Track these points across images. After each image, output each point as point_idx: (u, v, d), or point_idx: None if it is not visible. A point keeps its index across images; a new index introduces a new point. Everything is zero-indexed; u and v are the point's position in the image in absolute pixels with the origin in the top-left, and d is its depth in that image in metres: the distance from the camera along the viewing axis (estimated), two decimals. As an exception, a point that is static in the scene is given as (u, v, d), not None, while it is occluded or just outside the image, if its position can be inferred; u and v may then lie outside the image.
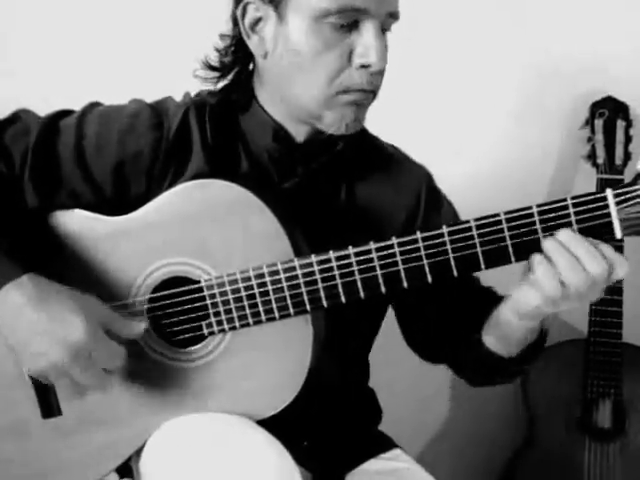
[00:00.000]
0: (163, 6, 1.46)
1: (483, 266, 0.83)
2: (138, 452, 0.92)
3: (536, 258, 0.81)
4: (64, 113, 0.97)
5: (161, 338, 0.92)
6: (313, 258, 0.85)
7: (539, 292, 0.81)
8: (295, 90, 0.91)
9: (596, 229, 0.80)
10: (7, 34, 1.45)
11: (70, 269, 0.88)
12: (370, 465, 1.06)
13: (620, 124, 1.48)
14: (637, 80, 1.54)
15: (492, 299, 1.00)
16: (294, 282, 0.86)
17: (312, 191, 0.98)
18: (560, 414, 1.55)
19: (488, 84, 1.58)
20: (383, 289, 0.85)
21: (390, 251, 0.84)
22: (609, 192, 0.79)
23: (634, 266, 0.84)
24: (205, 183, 0.89)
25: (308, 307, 0.86)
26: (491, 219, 0.82)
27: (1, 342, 0.93)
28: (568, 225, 0.80)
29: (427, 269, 0.84)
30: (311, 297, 0.86)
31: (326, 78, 0.89)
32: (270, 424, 0.88)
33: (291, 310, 0.87)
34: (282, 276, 0.86)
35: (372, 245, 0.84)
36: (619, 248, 0.81)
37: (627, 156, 1.48)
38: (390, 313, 1.11)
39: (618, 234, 0.80)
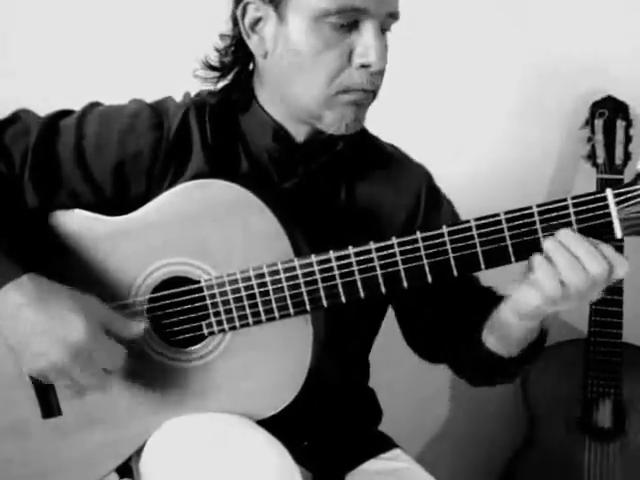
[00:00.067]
0: (163, 6, 1.46)
1: (483, 266, 0.83)
2: (138, 452, 0.92)
3: (536, 258, 0.81)
4: (64, 113, 0.97)
5: (161, 338, 0.92)
6: (313, 258, 0.85)
7: (539, 292, 0.81)
8: (295, 90, 0.91)
9: (596, 229, 0.80)
10: (7, 34, 1.45)
11: (70, 269, 0.88)
12: (370, 465, 1.06)
13: (620, 124, 1.49)
14: (637, 80, 1.54)
15: (492, 299, 1.00)
16: (294, 282, 0.86)
17: (312, 191, 0.98)
18: (560, 414, 1.55)
19: (488, 84, 1.58)
20: (383, 289, 0.85)
21: (390, 251, 0.84)
22: (609, 192, 0.79)
23: (634, 266, 0.84)
24: (205, 183, 0.89)
25: (308, 307, 0.86)
26: (491, 219, 0.82)
27: (1, 342, 0.93)
28: (568, 225, 0.80)
29: (427, 269, 0.84)
30: (311, 297, 0.86)
31: (326, 78, 0.89)
32: (270, 424, 0.88)
33: (291, 310, 0.87)
34: (282, 276, 0.86)
35: (372, 245, 0.84)
36: (619, 248, 0.80)
37: (627, 156, 1.48)
38: (390, 313, 1.11)
39: (618, 234, 0.80)
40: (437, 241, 0.83)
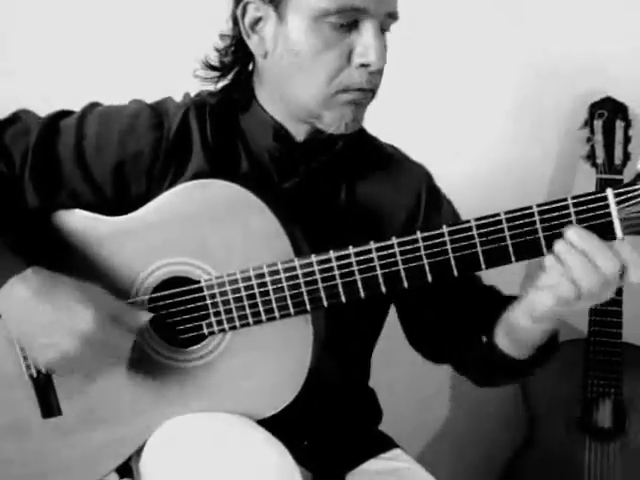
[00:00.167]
0: (163, 6, 1.46)
1: (483, 266, 0.83)
2: (138, 452, 0.92)
3: (547, 259, 0.80)
4: (64, 113, 0.97)
5: (161, 338, 0.92)
6: (313, 258, 0.85)
7: (552, 293, 0.81)
8: (295, 89, 0.91)
9: (597, 229, 0.80)
10: (7, 34, 1.45)
11: (70, 269, 0.88)
12: (370, 465, 1.06)
13: (619, 124, 1.49)
14: (636, 80, 1.54)
15: (495, 298, 1.00)
16: (294, 282, 0.86)
17: (312, 191, 0.98)
18: (560, 414, 1.55)
19: (487, 84, 1.58)
20: (383, 289, 0.85)
21: (390, 251, 0.84)
22: (609, 192, 0.79)
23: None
24: (205, 183, 0.89)
25: (308, 307, 0.86)
26: (491, 219, 0.82)
27: (1, 342, 0.93)
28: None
29: (427, 269, 0.84)
30: (311, 297, 0.86)
31: (326, 77, 0.89)
32: (270, 424, 0.89)
33: (291, 310, 0.87)
34: (282, 276, 0.86)
35: (372, 245, 0.84)
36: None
37: (626, 156, 1.48)
38: (390, 313, 1.11)
39: (619, 234, 0.80)
40: (437, 241, 0.83)
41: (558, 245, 0.80)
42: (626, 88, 1.52)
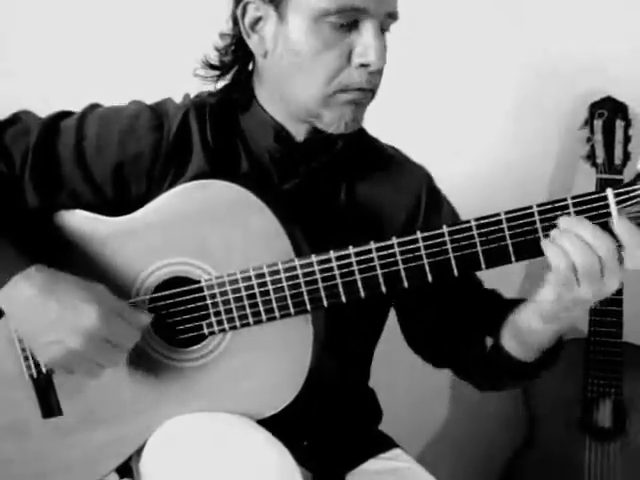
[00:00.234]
0: (163, 6, 1.46)
1: (483, 266, 0.83)
2: (138, 452, 0.92)
3: (543, 244, 0.80)
4: (64, 114, 0.97)
5: (162, 338, 0.92)
6: (313, 258, 0.85)
7: (552, 283, 0.81)
8: (294, 89, 0.91)
9: (604, 232, 0.79)
10: (7, 34, 1.45)
11: (71, 270, 0.88)
12: (370, 465, 1.06)
13: (619, 124, 1.48)
14: (636, 80, 1.54)
15: (497, 301, 1.00)
16: (294, 282, 0.86)
17: (312, 191, 0.98)
18: (560, 414, 1.54)
19: (487, 84, 1.58)
20: (384, 289, 0.85)
21: (390, 251, 0.84)
22: (609, 191, 0.79)
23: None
24: (205, 184, 0.89)
25: (308, 307, 0.86)
26: (491, 219, 0.82)
27: (2, 342, 0.93)
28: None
29: (427, 269, 0.84)
30: (311, 297, 0.86)
31: (325, 77, 0.89)
32: (270, 424, 0.89)
33: (291, 310, 0.87)
34: (282, 276, 0.86)
35: (372, 245, 0.84)
36: (619, 247, 0.80)
37: (626, 156, 1.48)
38: (391, 314, 1.11)
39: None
40: (437, 241, 0.83)
41: (552, 232, 0.80)
42: (626, 88, 1.52)
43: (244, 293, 0.88)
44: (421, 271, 0.84)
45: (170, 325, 0.92)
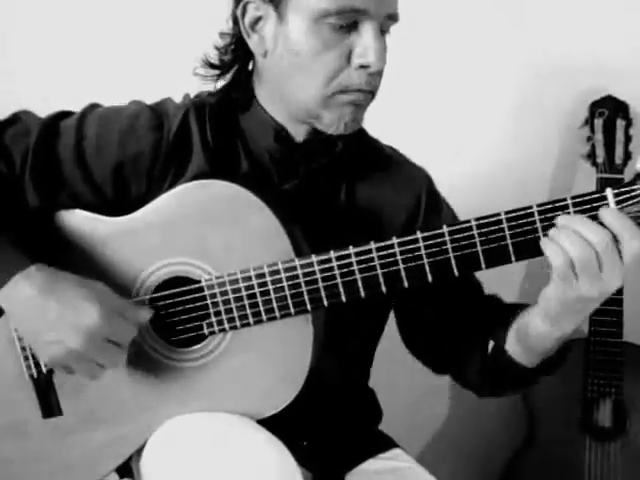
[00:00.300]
0: (163, 6, 1.46)
1: (483, 266, 0.83)
2: (138, 452, 0.92)
3: (542, 242, 0.80)
4: (64, 114, 0.97)
5: (162, 338, 0.92)
6: (314, 258, 0.86)
7: (555, 279, 0.80)
8: (294, 89, 0.91)
9: (601, 227, 0.79)
10: (7, 34, 1.45)
11: (71, 270, 0.88)
12: (370, 465, 1.06)
13: (620, 123, 1.48)
14: (637, 79, 1.53)
15: (497, 306, 0.99)
16: (295, 282, 0.86)
17: (312, 192, 0.98)
18: (560, 414, 1.54)
19: (487, 84, 1.58)
20: (384, 288, 0.85)
21: (390, 251, 0.84)
22: (609, 191, 0.79)
23: (634, 265, 0.84)
24: (205, 184, 0.89)
25: (309, 307, 0.87)
26: (491, 219, 0.82)
27: (2, 342, 0.93)
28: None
29: (427, 269, 0.84)
30: (312, 297, 0.86)
31: (325, 78, 0.89)
32: (270, 424, 0.89)
33: (292, 309, 0.87)
34: (283, 275, 0.86)
35: (372, 245, 0.84)
36: (616, 242, 0.80)
37: (627, 155, 1.48)
38: (391, 314, 1.10)
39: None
40: (437, 240, 0.83)
41: (551, 230, 0.80)
42: (627, 86, 1.51)
43: (244, 293, 0.88)
44: (421, 271, 0.84)
45: (170, 325, 0.92)
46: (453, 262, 0.83)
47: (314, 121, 0.93)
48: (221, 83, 1.00)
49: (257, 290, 0.87)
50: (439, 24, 1.52)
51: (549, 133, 1.61)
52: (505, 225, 0.81)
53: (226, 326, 0.89)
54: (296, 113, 0.94)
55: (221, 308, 0.89)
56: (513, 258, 0.82)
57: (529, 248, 0.81)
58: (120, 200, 0.94)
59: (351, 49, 0.89)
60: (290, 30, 0.88)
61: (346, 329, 0.99)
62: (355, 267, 0.85)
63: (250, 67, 0.99)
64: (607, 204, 0.79)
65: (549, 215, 0.80)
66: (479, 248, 0.82)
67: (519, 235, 0.81)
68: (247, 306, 0.88)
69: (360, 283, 0.85)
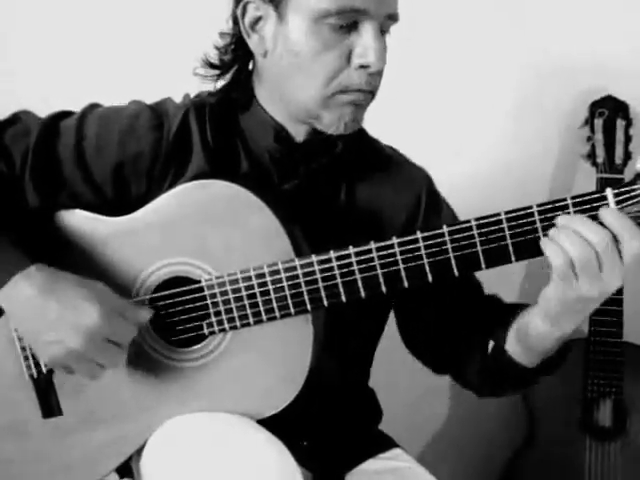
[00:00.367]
0: (163, 6, 1.46)
1: (483, 266, 0.83)
2: (139, 452, 0.92)
3: (542, 243, 0.80)
4: (64, 114, 0.97)
5: (162, 338, 0.92)
6: (314, 258, 0.86)
7: (556, 279, 0.80)
8: (294, 90, 0.91)
9: (600, 227, 0.79)
10: (7, 34, 1.45)
11: (71, 270, 0.88)
12: (370, 465, 1.06)
13: (620, 123, 1.48)
14: (637, 79, 1.53)
15: (497, 306, 0.99)
16: (295, 282, 0.86)
17: (312, 192, 0.98)
18: (560, 414, 1.54)
19: (487, 85, 1.58)
20: (384, 288, 0.85)
21: (390, 251, 0.84)
22: (609, 191, 0.79)
23: (634, 264, 0.84)
24: (205, 184, 0.89)
25: (309, 307, 0.86)
26: (491, 219, 0.82)
27: (2, 342, 0.93)
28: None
29: (427, 268, 0.84)
30: (312, 297, 0.86)
31: (325, 78, 0.89)
32: (270, 424, 0.89)
33: (292, 310, 0.87)
34: (283, 275, 0.86)
35: (372, 245, 0.84)
36: (616, 242, 0.80)
37: (627, 155, 1.47)
38: (391, 314, 1.10)
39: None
40: (437, 240, 0.83)
41: (551, 230, 0.80)
42: (627, 86, 1.51)
43: (244, 293, 0.88)
44: (421, 271, 0.84)
45: (170, 325, 0.92)
46: (453, 262, 0.83)
47: (314, 121, 0.93)
48: (221, 83, 1.00)
49: (257, 290, 0.87)
50: (439, 24, 1.52)
51: (549, 133, 1.61)
52: (505, 225, 0.81)
53: (226, 326, 0.89)
54: (296, 113, 0.94)
55: (221, 308, 0.89)
56: (513, 258, 0.82)
57: (529, 248, 0.81)
58: (120, 200, 0.94)
59: (351, 49, 0.89)
60: (290, 30, 0.88)
61: (346, 329, 0.99)
62: (355, 267, 0.85)
63: (250, 67, 0.99)
64: (607, 204, 0.79)
65: (549, 215, 0.80)
66: (479, 248, 0.82)
67: (519, 235, 0.81)
68: (247, 306, 0.88)
69: (360, 283, 0.85)
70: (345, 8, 0.86)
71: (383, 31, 0.91)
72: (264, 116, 0.97)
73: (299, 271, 0.86)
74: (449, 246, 0.83)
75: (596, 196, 0.80)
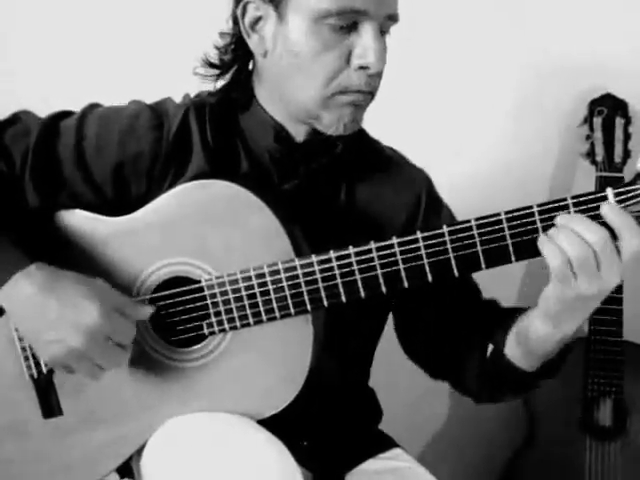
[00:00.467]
0: (163, 6, 1.46)
1: (483, 266, 0.83)
2: (139, 452, 0.92)
3: (540, 241, 0.80)
4: (64, 114, 0.97)
5: (162, 338, 0.92)
6: (314, 258, 0.86)
7: (552, 276, 0.80)
8: (294, 90, 0.91)
9: (599, 226, 0.79)
10: (7, 34, 1.45)
11: (71, 269, 0.88)
12: (370, 465, 1.06)
13: (619, 121, 1.48)
14: (636, 77, 1.53)
15: (496, 311, 0.99)
16: (295, 282, 0.86)
17: (312, 192, 0.98)
18: (561, 413, 1.54)
19: (487, 85, 1.58)
20: (384, 289, 0.85)
21: (390, 250, 0.84)
22: (609, 191, 0.79)
23: (634, 264, 0.84)
24: (205, 184, 0.89)
25: (309, 307, 0.86)
26: (492, 219, 0.82)
27: (2, 342, 0.93)
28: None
29: (427, 269, 0.84)
30: (312, 297, 0.86)
31: (324, 79, 0.89)
32: (270, 424, 0.89)
33: (292, 310, 0.87)
34: (282, 276, 0.86)
35: (372, 245, 0.84)
36: (614, 239, 0.79)
37: (626, 153, 1.47)
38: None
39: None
40: (437, 240, 0.83)
41: (550, 230, 0.79)
42: (626, 85, 1.51)
43: (244, 293, 0.88)
44: (421, 271, 0.84)
45: (170, 325, 0.92)
46: (453, 262, 0.83)
47: (313, 121, 0.93)
48: (221, 83, 1.00)
49: (257, 290, 0.87)
50: (439, 24, 1.52)
51: (549, 133, 1.61)
52: (505, 225, 0.81)
53: (226, 326, 0.89)
54: (296, 113, 0.94)
55: (221, 308, 0.89)
56: (513, 258, 0.82)
57: (529, 248, 0.81)
58: (120, 200, 0.94)
59: (350, 50, 0.89)
60: (290, 30, 0.88)
61: (346, 329, 0.99)
62: (355, 267, 0.85)
63: (250, 67, 0.99)
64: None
65: (549, 215, 0.80)
66: (479, 248, 0.82)
67: (519, 235, 0.81)
68: (247, 306, 0.88)
69: (360, 283, 0.85)
70: (345, 9, 0.86)
71: (383, 32, 0.91)
72: (264, 116, 0.97)
73: (299, 271, 0.86)
74: (449, 246, 0.83)
75: (597, 196, 0.79)
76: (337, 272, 0.85)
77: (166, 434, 0.90)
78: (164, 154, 0.95)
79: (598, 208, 0.79)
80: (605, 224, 0.78)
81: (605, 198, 0.79)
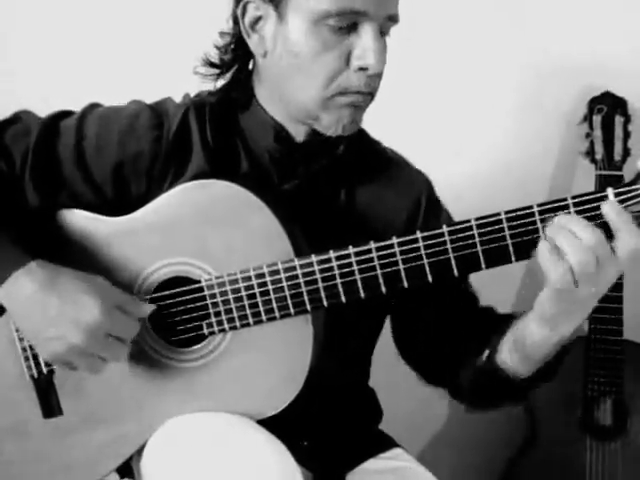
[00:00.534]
0: (163, 6, 1.46)
1: (483, 266, 0.83)
2: (139, 452, 0.92)
3: (539, 256, 0.79)
4: (64, 114, 0.97)
5: (162, 338, 0.92)
6: (313, 258, 0.85)
7: (548, 283, 0.79)
8: (293, 90, 0.91)
9: (597, 228, 0.79)
10: (7, 34, 1.45)
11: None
12: (370, 464, 1.06)
13: (618, 120, 1.47)
14: (635, 75, 1.53)
15: (493, 318, 0.99)
16: (294, 282, 0.86)
17: (312, 193, 0.98)
18: (561, 413, 1.54)
19: (487, 84, 1.58)
20: (383, 289, 0.85)
21: (390, 251, 0.84)
22: (610, 191, 0.79)
23: (633, 263, 0.84)
24: (205, 184, 0.89)
25: (308, 307, 0.86)
26: (492, 218, 0.82)
27: (2, 342, 0.93)
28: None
29: (427, 269, 0.84)
30: (311, 297, 0.86)
31: (324, 79, 0.89)
32: (270, 424, 0.89)
33: (291, 310, 0.87)
34: (282, 276, 0.86)
35: (372, 245, 0.84)
36: (609, 239, 0.79)
37: (626, 152, 1.46)
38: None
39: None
40: (437, 240, 0.83)
41: (547, 229, 0.79)
42: (625, 83, 1.51)
43: (244, 293, 0.88)
44: (421, 271, 0.84)
45: (170, 325, 0.92)
46: (453, 262, 0.83)
47: (313, 122, 0.93)
48: (221, 82, 1.00)
49: (257, 290, 0.87)
50: (439, 24, 1.52)
51: (549, 133, 1.61)
52: (505, 225, 0.81)
53: (226, 326, 0.89)
54: (295, 114, 0.94)
55: (221, 308, 0.89)
56: (513, 258, 0.82)
57: (529, 248, 0.81)
58: (120, 200, 0.94)
59: (350, 51, 0.88)
60: (290, 30, 0.88)
61: (346, 329, 0.99)
62: (355, 267, 0.85)
63: (250, 67, 0.99)
64: None
65: (549, 215, 0.80)
66: (479, 248, 0.82)
67: (519, 235, 0.81)
68: (247, 306, 0.88)
69: (360, 283, 0.85)
70: (345, 9, 0.86)
71: (383, 32, 0.91)
72: (264, 116, 0.97)
73: (299, 271, 0.86)
74: (449, 246, 0.83)
75: (597, 196, 0.79)
76: (337, 272, 0.85)
77: (166, 434, 0.90)
78: (164, 154, 0.95)
79: (598, 208, 0.79)
80: (600, 224, 0.78)
81: (605, 198, 0.79)
